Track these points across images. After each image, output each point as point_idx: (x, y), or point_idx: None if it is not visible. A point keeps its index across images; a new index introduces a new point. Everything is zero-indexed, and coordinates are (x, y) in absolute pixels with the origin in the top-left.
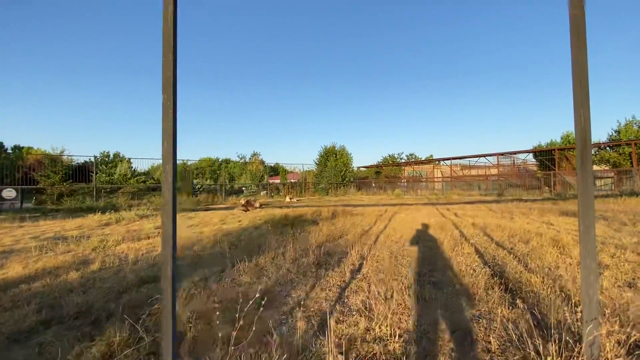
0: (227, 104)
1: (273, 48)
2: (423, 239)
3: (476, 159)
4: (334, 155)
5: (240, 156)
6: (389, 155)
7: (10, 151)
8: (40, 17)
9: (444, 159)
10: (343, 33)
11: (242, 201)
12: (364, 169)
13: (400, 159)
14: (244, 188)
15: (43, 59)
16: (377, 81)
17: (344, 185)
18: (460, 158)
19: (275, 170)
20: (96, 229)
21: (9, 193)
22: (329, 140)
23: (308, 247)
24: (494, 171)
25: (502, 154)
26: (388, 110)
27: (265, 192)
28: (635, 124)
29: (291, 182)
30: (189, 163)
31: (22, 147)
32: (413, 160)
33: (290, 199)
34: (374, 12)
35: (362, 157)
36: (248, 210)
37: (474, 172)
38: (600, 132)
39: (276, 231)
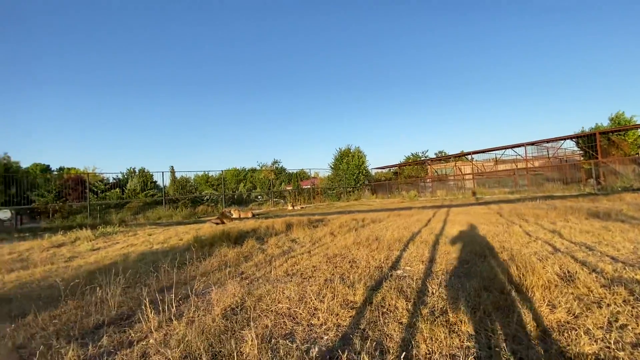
0: (249, 113)
1: (286, 50)
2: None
3: (502, 151)
4: (347, 157)
5: (262, 165)
6: (412, 155)
7: (56, 172)
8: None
9: (466, 154)
10: (358, 31)
11: (234, 212)
12: (382, 170)
13: (425, 157)
14: (258, 197)
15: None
16: (396, 79)
17: (357, 189)
18: (484, 151)
19: (299, 177)
20: (34, 252)
21: (4, 214)
22: (354, 143)
23: None
24: (525, 164)
25: (532, 144)
26: (410, 107)
27: (273, 200)
28: None
29: (301, 188)
30: (210, 174)
31: (64, 168)
32: (437, 157)
33: (293, 206)
34: (388, 13)
35: (382, 158)
36: (223, 222)
37: (506, 166)
38: None
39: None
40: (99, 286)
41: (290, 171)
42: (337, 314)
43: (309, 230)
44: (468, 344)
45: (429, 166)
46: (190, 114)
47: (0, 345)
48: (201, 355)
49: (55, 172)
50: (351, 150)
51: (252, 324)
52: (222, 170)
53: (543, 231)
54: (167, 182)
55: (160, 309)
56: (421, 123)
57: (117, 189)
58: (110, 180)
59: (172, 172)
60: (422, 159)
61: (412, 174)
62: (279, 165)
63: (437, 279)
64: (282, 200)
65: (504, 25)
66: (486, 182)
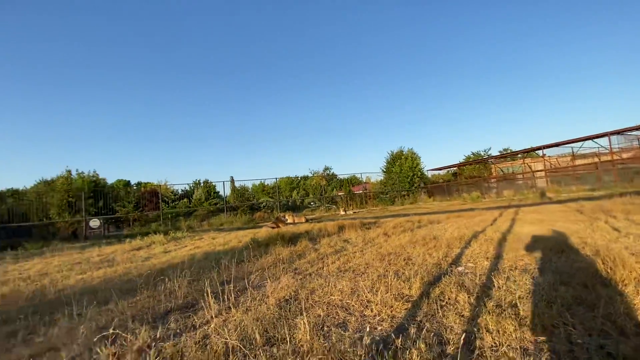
0: (302, 122)
1: (335, 55)
2: None
3: (580, 143)
4: (400, 160)
5: (313, 172)
6: (473, 153)
7: (135, 186)
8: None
9: (536, 148)
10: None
11: (288, 217)
12: (439, 172)
13: (487, 155)
14: (312, 203)
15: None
16: (451, 76)
17: (412, 192)
18: (558, 145)
19: (350, 182)
20: (118, 254)
21: (94, 223)
22: (407, 145)
23: None
24: (611, 157)
25: (618, 132)
26: (469, 103)
27: (325, 206)
28: None
29: (352, 193)
30: (266, 182)
31: (142, 182)
32: (502, 154)
33: (345, 211)
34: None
35: (439, 159)
36: (278, 227)
37: (586, 160)
38: None
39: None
40: (168, 279)
41: (341, 177)
42: (392, 306)
43: (362, 232)
44: (542, 337)
45: (492, 165)
46: (247, 127)
47: (86, 326)
48: (256, 338)
49: (135, 186)
50: (404, 152)
51: (304, 313)
52: (276, 179)
53: (636, 226)
54: (228, 191)
55: (221, 299)
56: (481, 120)
57: (185, 199)
58: (179, 192)
59: (232, 181)
60: (485, 157)
61: (474, 174)
62: (329, 171)
63: (504, 274)
64: (334, 206)
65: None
66: (561, 180)
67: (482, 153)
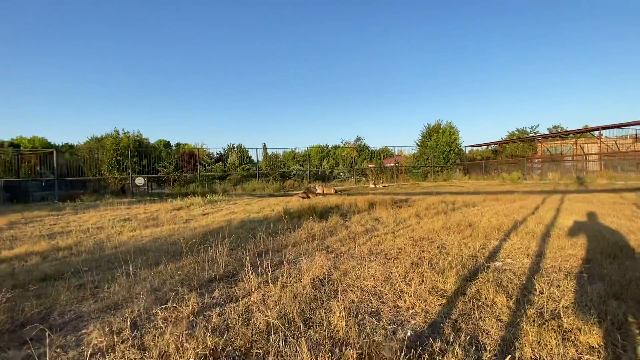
0: (336, 90)
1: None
2: None
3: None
4: (437, 134)
5: (345, 142)
6: (517, 130)
7: (174, 147)
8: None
9: (592, 129)
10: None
11: (318, 188)
12: (477, 148)
13: (534, 133)
14: (341, 174)
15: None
16: (497, 46)
17: (447, 169)
18: (619, 126)
19: (382, 154)
20: (161, 213)
21: (140, 181)
22: (445, 118)
23: None
24: None
25: None
26: (515, 75)
27: (355, 177)
28: None
29: (384, 166)
30: (297, 151)
31: (180, 144)
32: (551, 133)
33: (375, 184)
34: None
35: (479, 135)
36: (308, 197)
37: None
38: None
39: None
40: (210, 246)
41: (373, 149)
42: (426, 300)
43: (393, 210)
44: (588, 357)
45: (539, 144)
46: (280, 92)
47: (142, 287)
48: (294, 318)
49: (174, 147)
50: (442, 126)
51: (339, 296)
52: (307, 148)
53: None
54: (260, 157)
55: (259, 271)
56: (530, 94)
57: (220, 163)
58: (215, 155)
59: (265, 148)
60: (531, 135)
61: (517, 152)
62: (361, 142)
63: (547, 277)
64: (364, 178)
65: None
66: (619, 165)
67: (529, 130)
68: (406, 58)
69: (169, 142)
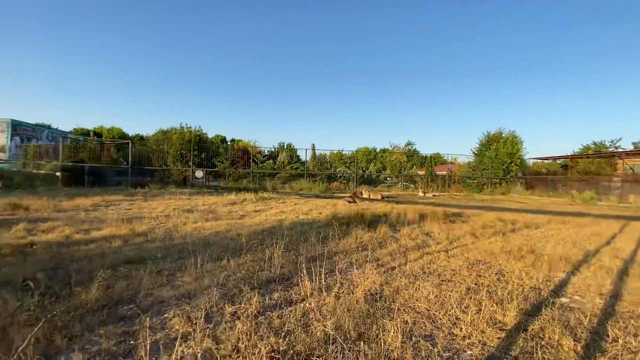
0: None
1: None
2: None
3: None
4: (497, 143)
5: (394, 146)
6: (594, 143)
7: (229, 143)
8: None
9: None
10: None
11: (364, 192)
12: (543, 161)
13: (615, 147)
14: (388, 179)
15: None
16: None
17: (506, 181)
18: None
19: (434, 161)
20: (218, 207)
21: (199, 173)
22: (507, 126)
23: None
24: None
25: None
26: (592, 80)
27: (403, 184)
28: None
29: (435, 174)
30: (344, 152)
31: (234, 140)
32: (638, 148)
33: (424, 193)
34: None
35: (545, 147)
36: (354, 201)
37: None
38: None
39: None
40: (266, 246)
41: (424, 155)
42: (483, 331)
43: (445, 225)
44: None
45: (620, 160)
46: (327, 94)
47: (210, 280)
48: (350, 331)
49: (229, 143)
50: (503, 135)
51: (394, 315)
52: (354, 150)
53: None
54: (308, 157)
55: (312, 278)
56: (610, 103)
57: (270, 161)
58: (265, 153)
59: (313, 149)
60: (611, 150)
61: (591, 169)
62: (412, 147)
63: (623, 323)
64: (412, 185)
65: None
66: None
67: (608, 144)
68: (467, 62)
69: (224, 137)
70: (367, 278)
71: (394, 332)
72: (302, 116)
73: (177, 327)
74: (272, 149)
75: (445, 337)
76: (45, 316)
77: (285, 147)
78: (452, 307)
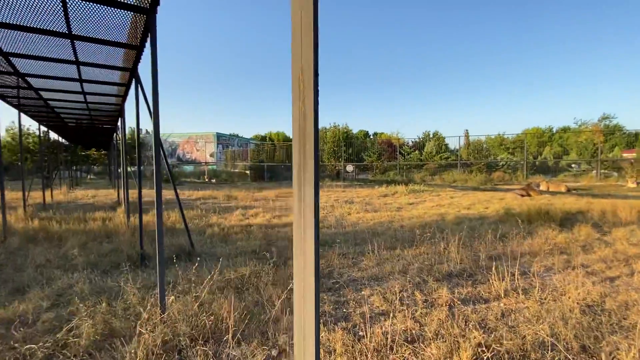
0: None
1: None
2: None
3: None
4: None
5: (580, 123)
6: None
7: (372, 137)
8: None
9: None
10: None
11: (542, 184)
12: None
13: None
14: (572, 165)
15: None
16: None
17: None
18: None
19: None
20: (373, 198)
21: (349, 168)
22: None
23: None
24: None
25: None
26: None
27: (601, 172)
28: None
29: None
30: (505, 136)
31: (377, 133)
32: None
33: (637, 183)
34: None
35: None
36: (529, 195)
37: None
38: None
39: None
40: (437, 240)
41: (632, 131)
42: None
43: None
44: None
45: None
46: (481, 75)
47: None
48: (570, 341)
49: (372, 137)
50: None
51: (628, 334)
52: (520, 132)
53: None
54: (460, 145)
55: (499, 277)
56: None
57: (416, 152)
58: (410, 144)
59: (467, 135)
60: None
61: None
62: (610, 121)
63: None
64: (614, 173)
65: None
66: None
67: None
68: None
69: (367, 132)
70: (578, 287)
71: (633, 355)
72: (452, 100)
73: (377, 304)
74: (417, 139)
75: None
76: (280, 279)
77: (431, 136)
78: None
